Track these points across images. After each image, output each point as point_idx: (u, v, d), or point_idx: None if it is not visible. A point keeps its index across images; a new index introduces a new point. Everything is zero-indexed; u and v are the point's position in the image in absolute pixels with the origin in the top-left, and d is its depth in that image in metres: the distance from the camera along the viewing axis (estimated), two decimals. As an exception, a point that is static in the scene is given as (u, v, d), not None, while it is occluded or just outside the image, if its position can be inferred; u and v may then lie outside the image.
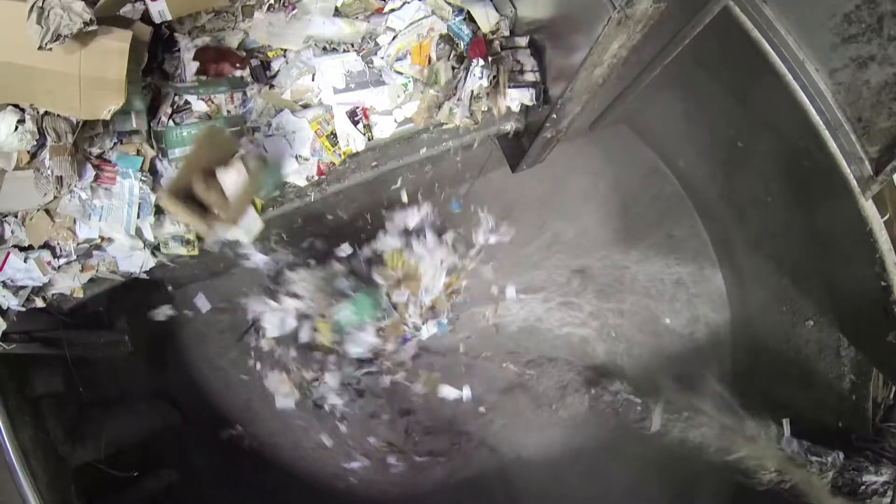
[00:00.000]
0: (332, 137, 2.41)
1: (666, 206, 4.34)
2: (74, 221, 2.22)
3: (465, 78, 2.45)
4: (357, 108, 2.40)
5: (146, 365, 3.78)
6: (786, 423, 3.49)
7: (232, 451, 3.96)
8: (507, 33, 2.50)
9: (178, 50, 2.30)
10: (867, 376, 3.34)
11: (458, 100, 2.47)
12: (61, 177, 2.04)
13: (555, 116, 2.34)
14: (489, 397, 4.15)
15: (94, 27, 1.76)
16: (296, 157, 2.41)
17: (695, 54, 3.11)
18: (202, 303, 3.89)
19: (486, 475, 4.17)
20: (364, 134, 2.43)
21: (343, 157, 2.44)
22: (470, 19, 2.52)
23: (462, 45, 2.52)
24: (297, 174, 2.44)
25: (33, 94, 1.92)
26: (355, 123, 2.41)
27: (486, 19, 2.48)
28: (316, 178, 2.46)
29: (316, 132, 2.39)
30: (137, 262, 2.39)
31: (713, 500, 3.96)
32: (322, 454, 4.10)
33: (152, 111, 2.27)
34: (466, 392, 4.00)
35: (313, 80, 2.42)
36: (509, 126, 2.60)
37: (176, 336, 3.92)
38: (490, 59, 2.46)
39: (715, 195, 4.04)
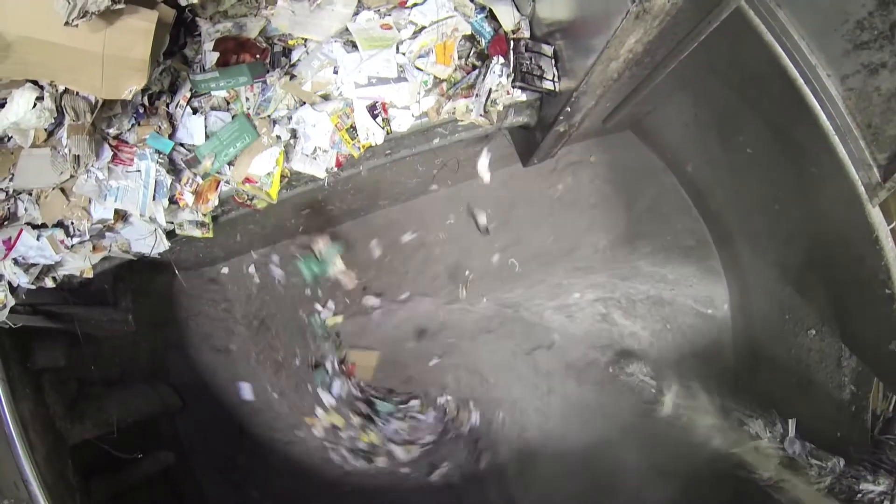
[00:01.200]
0: (352, 131, 2.42)
1: (672, 210, 4.35)
2: (89, 201, 2.22)
3: (485, 75, 2.44)
4: (377, 102, 2.41)
5: (148, 345, 3.79)
6: (791, 423, 3.51)
7: (229, 435, 3.97)
8: (527, 33, 2.50)
9: (199, 34, 2.31)
10: (867, 387, 3.33)
11: (477, 96, 2.46)
12: (78, 156, 2.04)
13: (569, 110, 2.36)
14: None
15: (121, 5, 1.74)
16: (315, 149, 2.42)
17: (706, 58, 3.14)
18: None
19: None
20: (383, 128, 2.44)
21: (362, 150, 2.46)
22: (492, 17, 2.52)
23: (483, 43, 2.52)
24: (316, 166, 2.45)
25: (55, 71, 1.91)
26: (374, 117, 2.42)
27: (510, 17, 2.48)
28: (335, 168, 2.48)
29: (336, 125, 2.40)
30: (150, 243, 2.41)
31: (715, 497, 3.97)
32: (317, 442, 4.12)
33: (171, 94, 2.27)
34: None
35: (335, 73, 2.42)
36: (522, 119, 2.61)
37: (179, 318, 3.93)
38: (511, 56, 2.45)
39: (722, 201, 4.05)
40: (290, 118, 2.39)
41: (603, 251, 4.43)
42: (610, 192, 4.41)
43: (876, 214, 2.68)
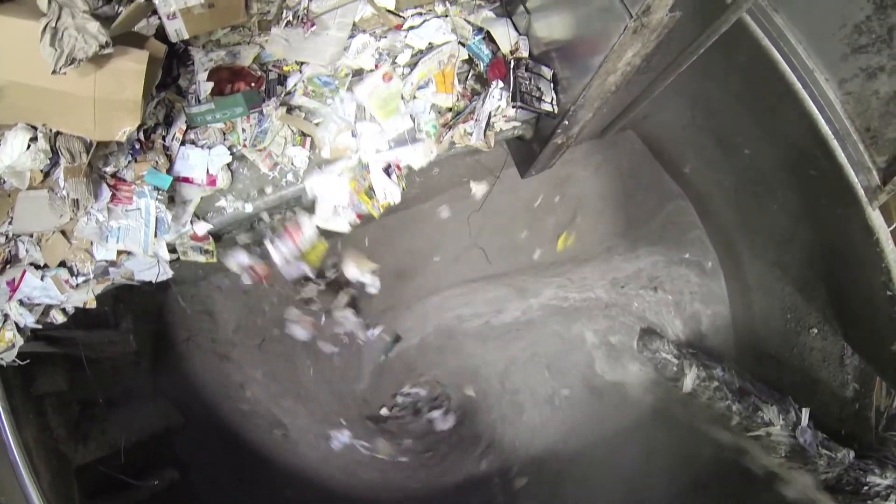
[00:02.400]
0: (370, 192, 2.44)
1: (671, 212, 4.35)
2: (91, 243, 2.20)
3: (484, 100, 2.42)
4: (391, 164, 2.43)
5: (149, 365, 3.77)
6: (805, 412, 3.54)
7: (232, 451, 3.95)
8: (525, 53, 2.47)
9: (193, 64, 2.28)
10: (870, 385, 3.34)
11: (476, 121, 2.44)
12: (77, 199, 2.00)
13: (566, 123, 2.34)
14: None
15: (109, 50, 1.70)
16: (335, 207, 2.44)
17: (703, 61, 3.10)
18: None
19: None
20: (398, 184, 2.45)
21: (382, 209, 2.47)
22: (489, 38, 2.50)
23: (482, 66, 2.50)
24: (339, 222, 2.48)
25: (46, 114, 1.88)
26: (389, 175, 2.43)
27: (507, 39, 2.45)
28: (357, 221, 2.50)
29: (354, 189, 2.41)
30: (154, 272, 2.38)
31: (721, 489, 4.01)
32: (322, 454, 4.11)
33: (167, 126, 2.24)
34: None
35: (353, 136, 2.41)
36: (519, 132, 2.60)
37: (179, 337, 3.91)
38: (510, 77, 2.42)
39: (721, 202, 4.05)
40: (299, 200, 2.42)
41: (602, 250, 4.43)
42: (610, 190, 4.40)
43: (876, 217, 2.69)
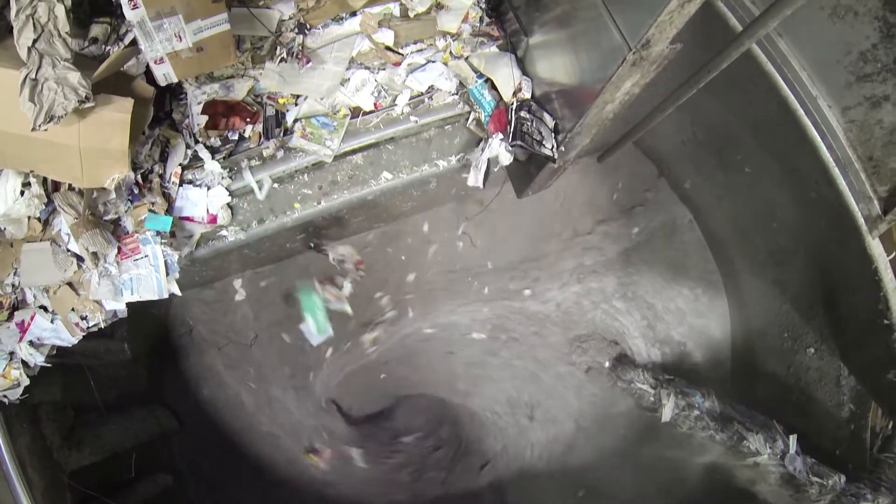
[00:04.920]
0: None
1: (671, 227, 4.32)
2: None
3: (483, 149, 2.46)
4: None
5: (144, 370, 3.78)
6: (792, 439, 3.49)
7: (226, 456, 3.97)
8: (528, 94, 2.45)
9: (185, 97, 2.25)
10: (866, 406, 3.32)
11: (475, 167, 2.49)
12: (96, 252, 1.99)
13: (563, 149, 2.32)
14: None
15: (90, 104, 1.66)
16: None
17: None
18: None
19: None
20: None
21: None
22: (492, 86, 2.49)
23: (483, 116, 2.50)
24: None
25: (33, 162, 1.84)
26: None
27: (510, 82, 2.42)
28: None
29: None
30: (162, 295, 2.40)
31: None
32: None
33: (163, 163, 2.22)
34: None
35: None
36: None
37: (173, 340, 3.91)
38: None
39: (720, 219, 4.01)
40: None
41: (601, 263, 4.41)
42: (609, 206, 4.37)
43: (875, 246, 2.66)
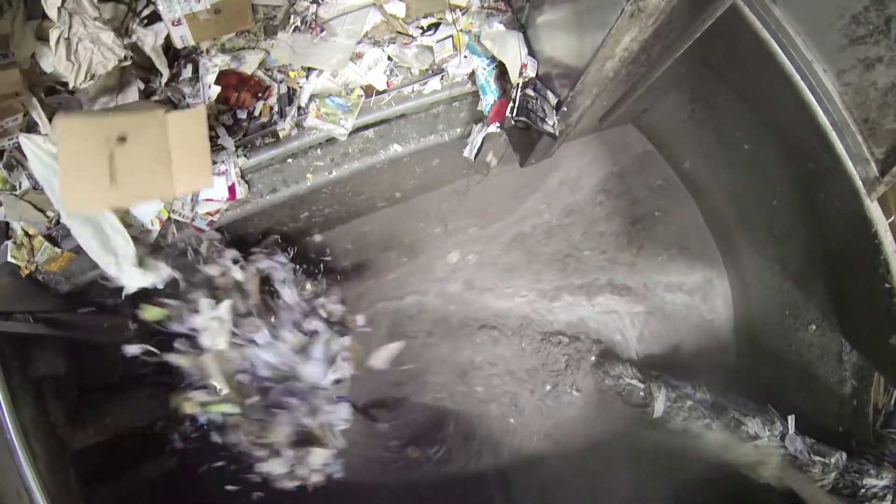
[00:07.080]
0: None
1: (670, 206, 4.35)
2: None
3: (480, 130, 2.61)
4: None
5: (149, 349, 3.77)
6: (790, 420, 3.49)
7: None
8: (533, 73, 2.51)
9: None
10: (868, 382, 3.33)
11: (470, 144, 2.62)
12: None
13: (565, 110, 2.36)
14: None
15: (127, 63, 1.70)
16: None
17: (702, 55, 3.14)
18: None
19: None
20: None
21: None
22: (499, 74, 2.56)
23: (484, 105, 2.58)
24: None
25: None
26: None
27: (517, 62, 2.47)
28: None
29: None
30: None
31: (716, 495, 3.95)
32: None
33: None
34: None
35: None
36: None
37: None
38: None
39: (720, 197, 4.05)
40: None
41: (601, 245, 4.42)
42: (609, 186, 4.40)
43: (874, 209, 2.68)
